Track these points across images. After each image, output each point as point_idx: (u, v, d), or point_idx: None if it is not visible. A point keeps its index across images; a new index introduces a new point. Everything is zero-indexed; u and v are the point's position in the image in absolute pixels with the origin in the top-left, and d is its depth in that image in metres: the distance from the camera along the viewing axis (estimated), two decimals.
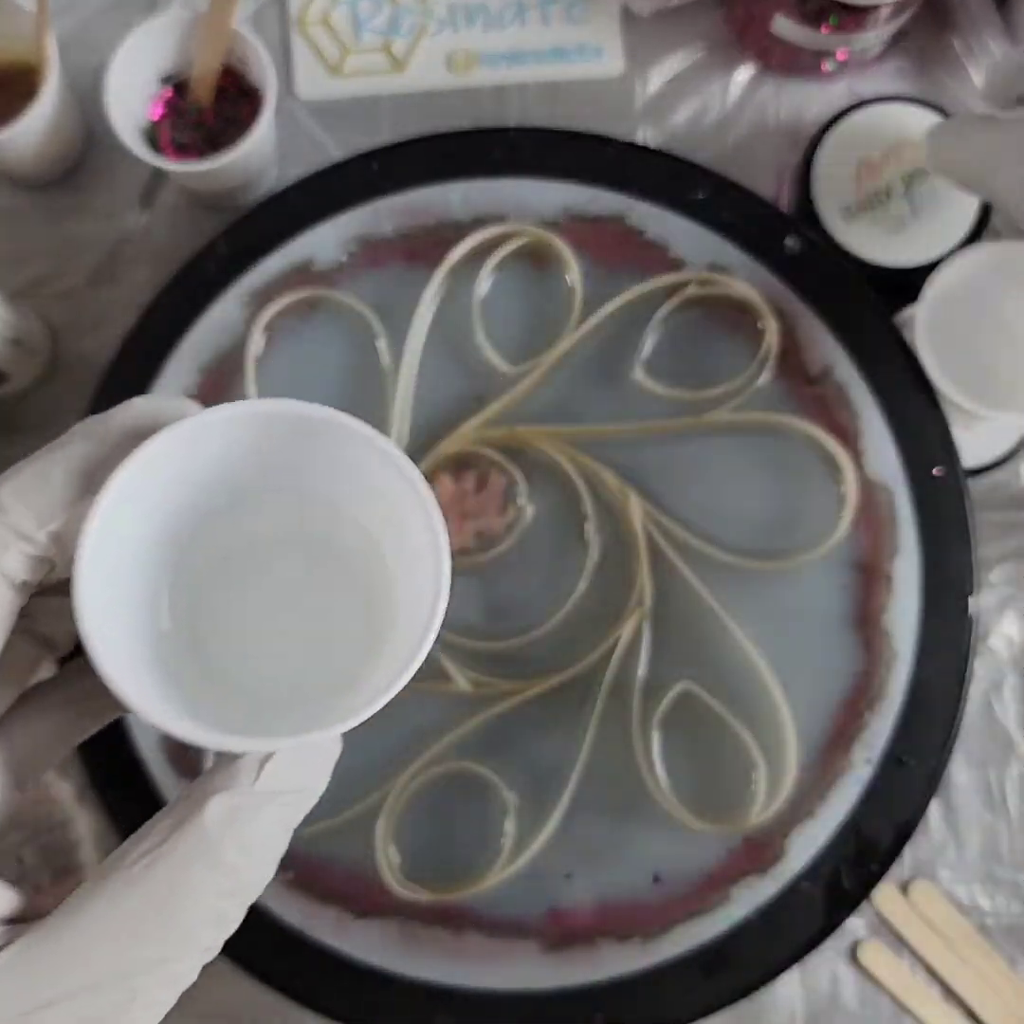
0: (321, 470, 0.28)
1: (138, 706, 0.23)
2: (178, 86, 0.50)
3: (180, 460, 0.26)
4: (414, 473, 0.26)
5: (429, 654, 0.46)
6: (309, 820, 0.43)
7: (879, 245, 0.49)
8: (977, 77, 0.53)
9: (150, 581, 0.29)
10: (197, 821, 0.24)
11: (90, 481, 0.24)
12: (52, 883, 0.26)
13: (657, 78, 0.55)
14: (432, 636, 0.26)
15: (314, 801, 0.27)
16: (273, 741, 0.24)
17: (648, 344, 0.46)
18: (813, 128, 0.53)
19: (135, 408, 0.25)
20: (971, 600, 0.44)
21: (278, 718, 0.27)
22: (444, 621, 0.46)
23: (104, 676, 0.23)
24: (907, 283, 0.47)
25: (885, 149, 0.50)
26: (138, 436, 0.24)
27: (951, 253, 0.48)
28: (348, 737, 0.45)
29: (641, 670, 0.43)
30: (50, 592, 0.25)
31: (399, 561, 0.28)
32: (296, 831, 0.43)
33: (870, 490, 0.44)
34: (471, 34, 0.55)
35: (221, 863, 0.24)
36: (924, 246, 0.49)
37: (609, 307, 0.45)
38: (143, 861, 0.23)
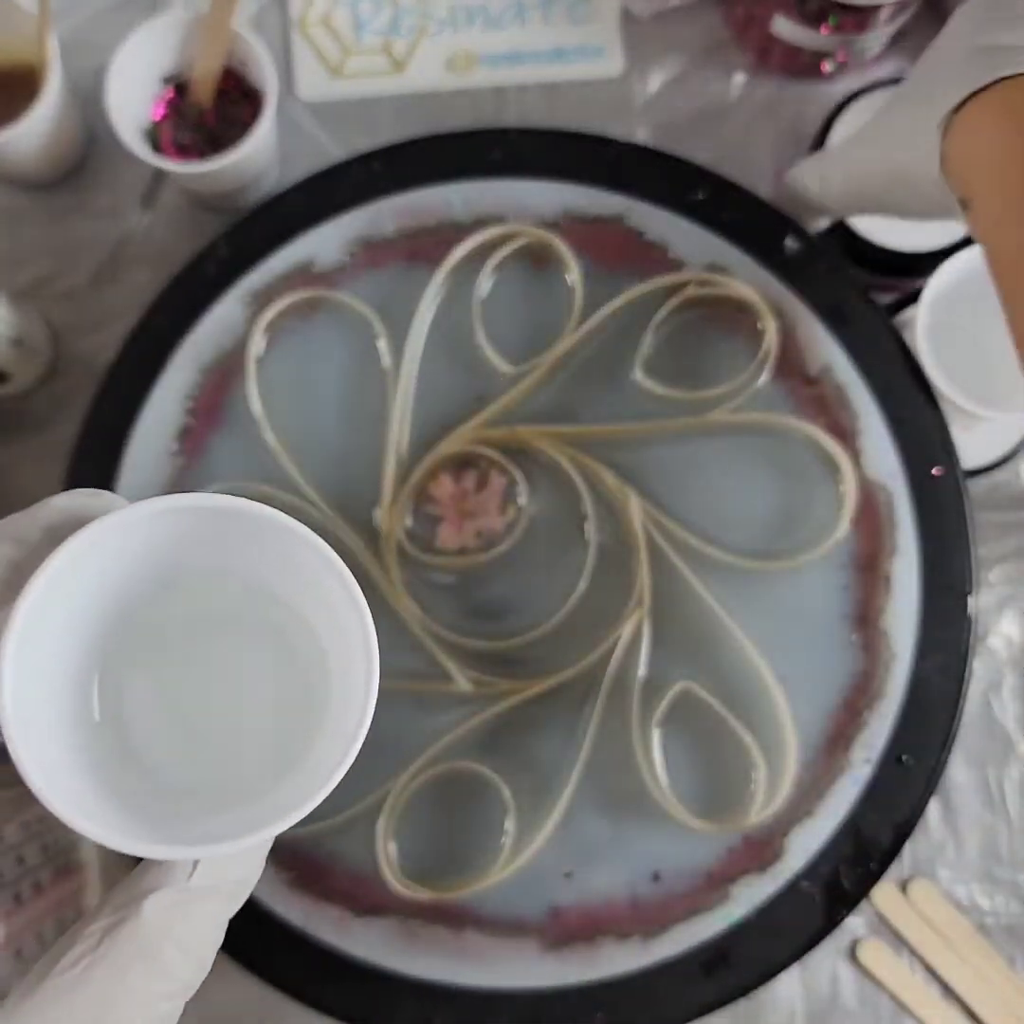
0: (247, 555, 0.28)
1: (64, 815, 0.22)
2: (179, 87, 0.50)
3: (106, 553, 0.26)
4: (330, 553, 0.26)
5: (430, 654, 0.47)
6: (310, 820, 0.43)
7: (889, 229, 0.48)
8: None
9: (80, 674, 0.28)
10: (134, 922, 0.22)
11: (9, 586, 0.23)
12: (52, 882, 0.26)
13: (657, 78, 0.55)
14: (367, 720, 0.26)
15: (249, 892, 0.26)
16: (204, 848, 0.24)
17: (648, 344, 0.46)
18: (813, 128, 0.53)
19: (55, 507, 0.24)
20: (970, 600, 0.44)
21: (217, 806, 0.27)
22: (445, 621, 0.46)
23: (31, 787, 0.22)
24: (916, 267, 0.47)
25: None
26: (59, 535, 0.23)
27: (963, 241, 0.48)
28: None
29: (641, 670, 0.44)
30: None
31: (330, 636, 0.28)
32: (297, 830, 0.43)
33: (869, 490, 0.45)
34: (471, 35, 0.55)
35: (160, 964, 0.23)
36: (936, 229, 0.49)
37: (609, 307, 0.45)
38: (77, 967, 0.22)
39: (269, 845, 0.27)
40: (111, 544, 0.25)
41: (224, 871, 0.25)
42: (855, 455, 0.45)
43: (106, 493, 0.26)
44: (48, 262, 0.53)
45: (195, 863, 0.24)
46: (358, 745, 0.26)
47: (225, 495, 0.25)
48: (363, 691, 0.27)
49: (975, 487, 0.51)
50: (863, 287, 0.46)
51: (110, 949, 0.22)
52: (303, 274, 0.47)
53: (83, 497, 0.25)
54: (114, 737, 0.29)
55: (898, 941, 0.49)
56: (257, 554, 0.28)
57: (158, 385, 0.46)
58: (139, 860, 0.25)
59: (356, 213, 0.47)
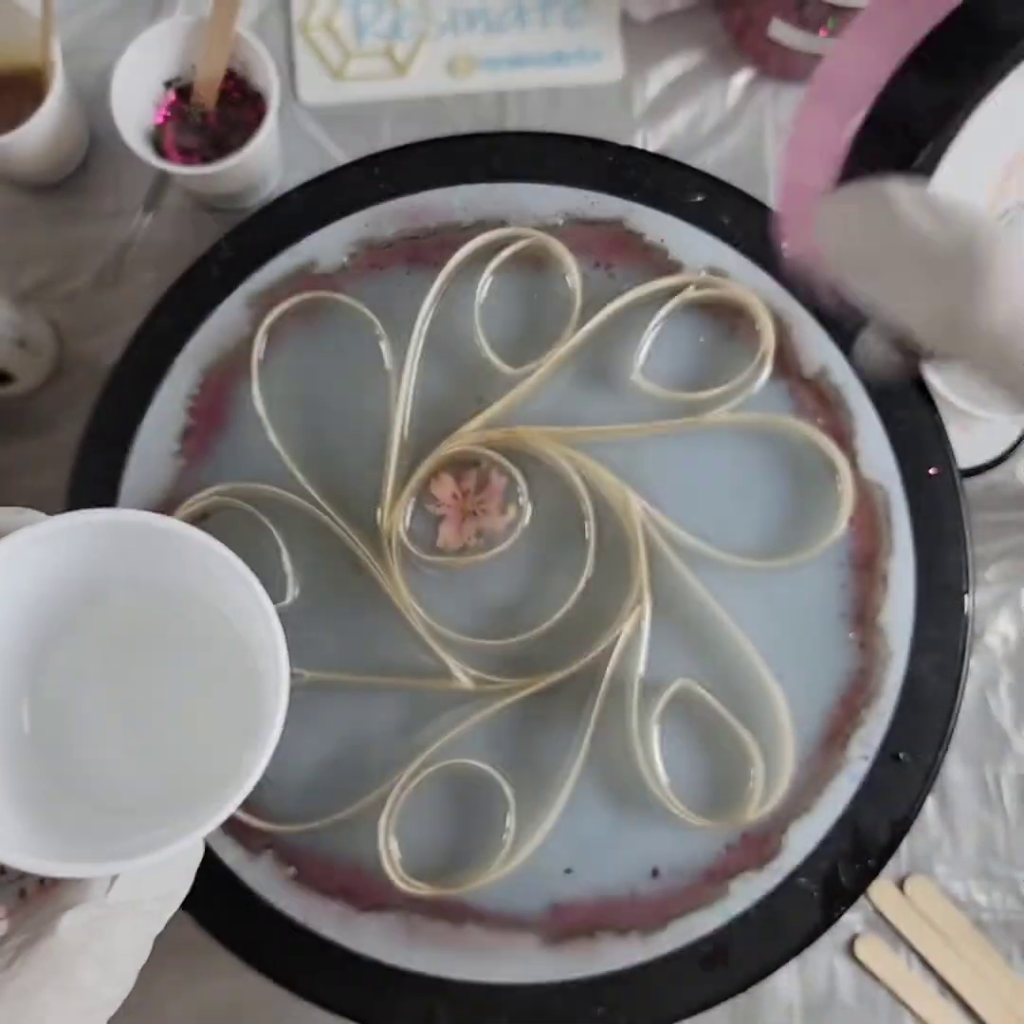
0: (172, 567, 0.28)
1: None
2: (182, 90, 0.51)
3: (28, 567, 0.26)
4: (235, 561, 0.26)
5: (431, 652, 0.47)
6: (310, 819, 0.43)
7: None
8: None
9: (8, 688, 0.28)
10: (49, 941, 0.22)
11: None
12: (37, 891, 0.26)
13: (656, 82, 0.55)
14: (276, 728, 0.25)
15: (176, 905, 0.25)
16: (114, 864, 0.23)
17: (647, 346, 0.46)
18: None
19: None
20: (966, 598, 0.44)
21: (157, 819, 0.27)
22: (446, 619, 0.46)
23: None
24: None
25: None
26: None
27: None
28: (351, 735, 0.46)
29: (640, 668, 0.44)
30: None
31: (254, 644, 0.28)
32: (298, 829, 0.43)
33: (866, 490, 0.45)
34: (472, 38, 0.55)
35: (75, 983, 0.22)
36: None
37: (609, 309, 0.46)
38: None
39: (195, 858, 0.26)
40: (31, 558, 0.25)
41: (145, 886, 0.24)
42: (852, 455, 0.45)
43: (30, 511, 0.26)
44: (52, 264, 0.54)
45: (113, 879, 0.24)
46: (266, 755, 0.25)
47: (134, 510, 0.26)
48: (274, 699, 0.26)
49: (972, 487, 0.51)
50: None
51: (23, 967, 0.22)
52: (305, 276, 0.47)
53: (6, 515, 0.25)
54: (47, 750, 0.29)
55: (895, 937, 0.49)
56: (179, 566, 0.28)
57: (161, 386, 0.46)
58: None
59: (358, 216, 0.47)
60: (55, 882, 0.25)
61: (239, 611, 0.27)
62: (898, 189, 0.21)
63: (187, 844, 0.24)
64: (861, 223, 0.22)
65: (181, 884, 0.26)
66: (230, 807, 0.25)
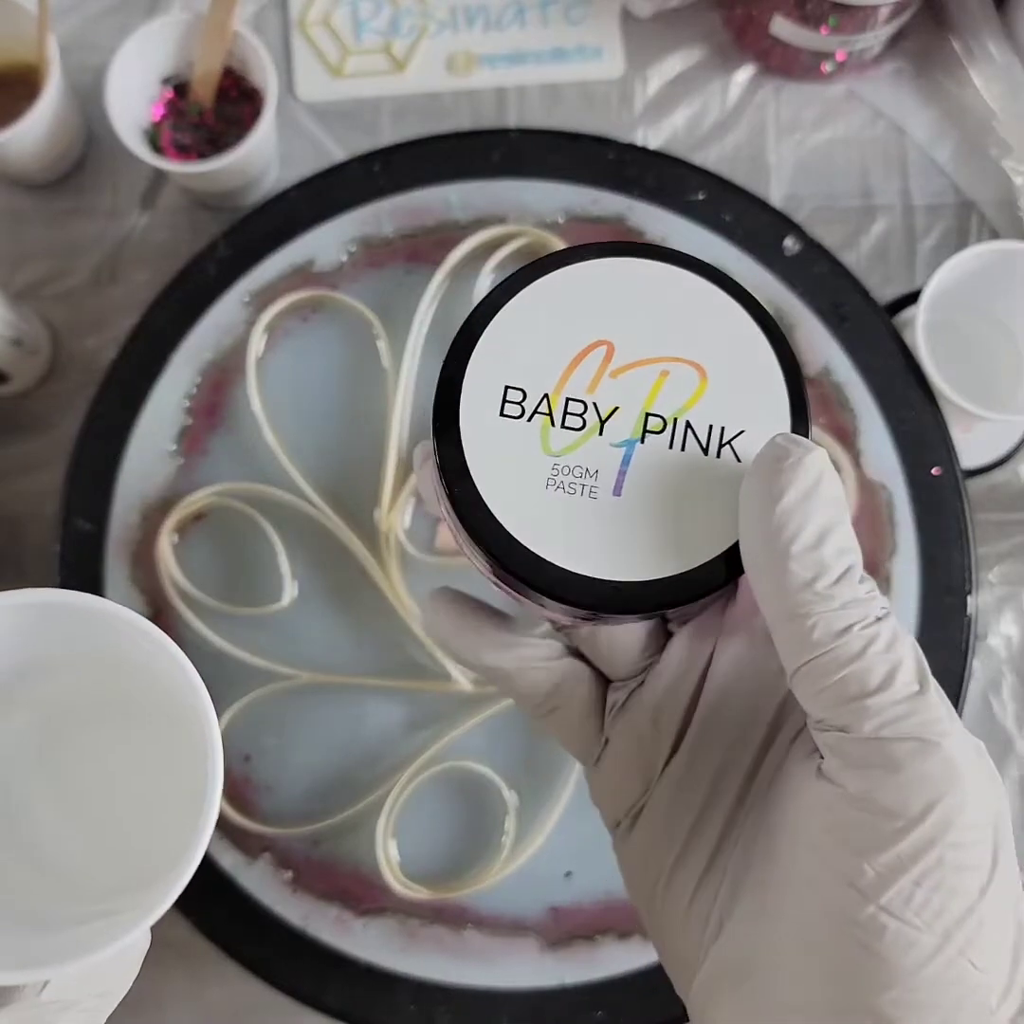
0: (108, 639, 0.27)
1: None
2: (179, 87, 0.50)
3: None
4: (160, 635, 0.25)
5: (430, 654, 0.46)
6: (308, 822, 0.43)
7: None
8: (977, 78, 0.53)
9: None
10: None
11: None
12: None
13: (657, 79, 0.55)
14: (210, 815, 0.24)
15: (115, 1004, 0.24)
16: (43, 970, 0.21)
17: None
18: (812, 128, 0.53)
19: None
20: (969, 599, 0.44)
21: (94, 901, 0.25)
22: None
23: None
24: None
25: None
26: None
27: None
28: (348, 737, 0.46)
29: None
30: None
31: (192, 719, 0.26)
32: (296, 833, 0.43)
33: (869, 490, 0.45)
34: (471, 35, 0.55)
35: None
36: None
37: None
38: None
39: (138, 952, 0.24)
40: None
41: (84, 983, 0.23)
42: (855, 455, 0.45)
43: None
44: (48, 262, 0.53)
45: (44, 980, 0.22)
46: (202, 842, 0.23)
47: (58, 590, 0.25)
48: (206, 781, 0.24)
49: (974, 487, 0.51)
50: (862, 287, 0.46)
51: None
52: (303, 274, 0.47)
53: None
54: None
55: None
56: (117, 639, 0.26)
57: (158, 385, 0.46)
58: None
59: (356, 213, 0.47)
60: None
61: (173, 681, 0.26)
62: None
63: (127, 941, 0.22)
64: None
65: (124, 979, 0.24)
66: (170, 898, 0.23)
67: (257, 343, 0.46)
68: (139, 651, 0.26)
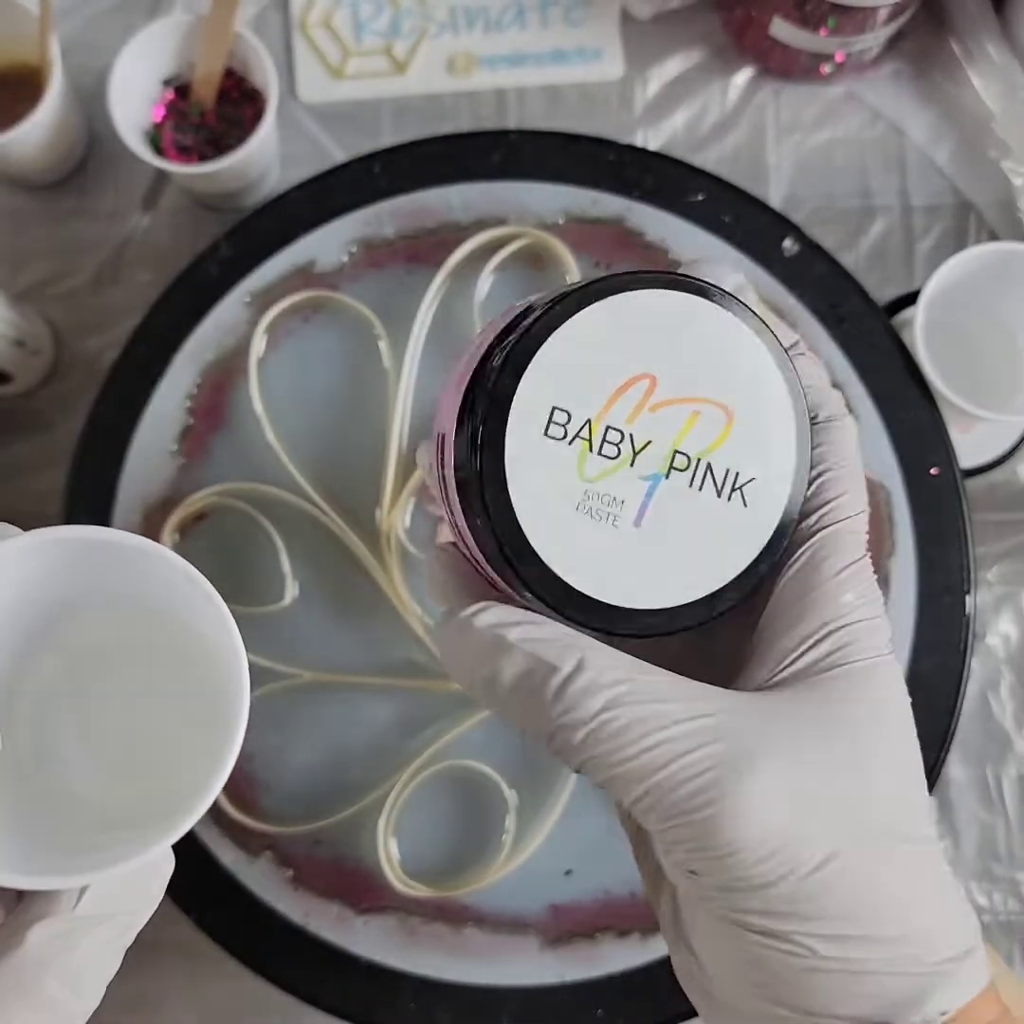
0: (140, 581, 0.28)
1: None
2: (180, 89, 0.50)
3: (1, 584, 0.26)
4: (194, 573, 0.26)
5: (430, 652, 0.47)
6: (309, 820, 0.43)
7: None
8: (975, 79, 0.53)
9: None
10: (16, 955, 0.22)
11: None
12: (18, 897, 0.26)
13: (656, 81, 0.55)
14: (235, 742, 0.26)
15: (145, 920, 0.26)
16: (83, 875, 0.23)
17: None
18: (811, 128, 0.53)
19: None
20: (968, 599, 0.44)
21: (121, 830, 0.27)
22: None
23: None
24: None
25: None
26: None
27: None
28: (350, 736, 0.46)
29: None
30: None
31: (221, 655, 0.28)
32: (297, 831, 0.43)
33: (868, 489, 0.45)
34: (471, 37, 0.55)
35: (42, 997, 0.22)
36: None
37: None
38: None
39: (164, 872, 0.26)
40: (3, 573, 0.26)
41: (114, 900, 0.24)
42: None
43: (1, 524, 0.26)
44: (50, 263, 0.53)
45: (81, 892, 0.24)
46: (225, 770, 0.25)
47: (101, 527, 0.26)
48: (234, 709, 0.26)
49: (973, 487, 0.51)
50: (861, 288, 0.46)
51: None
52: (304, 275, 0.47)
53: None
54: (17, 765, 0.29)
55: None
56: (148, 581, 0.28)
57: (160, 385, 0.46)
58: None
59: (357, 214, 0.47)
60: (22, 895, 0.25)
61: (208, 625, 0.27)
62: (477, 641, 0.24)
63: (152, 855, 0.24)
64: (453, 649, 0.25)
65: (152, 897, 0.26)
66: (192, 818, 0.25)
67: (258, 344, 0.46)
68: (167, 589, 0.27)
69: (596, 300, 0.24)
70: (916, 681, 0.43)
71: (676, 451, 0.24)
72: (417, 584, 0.45)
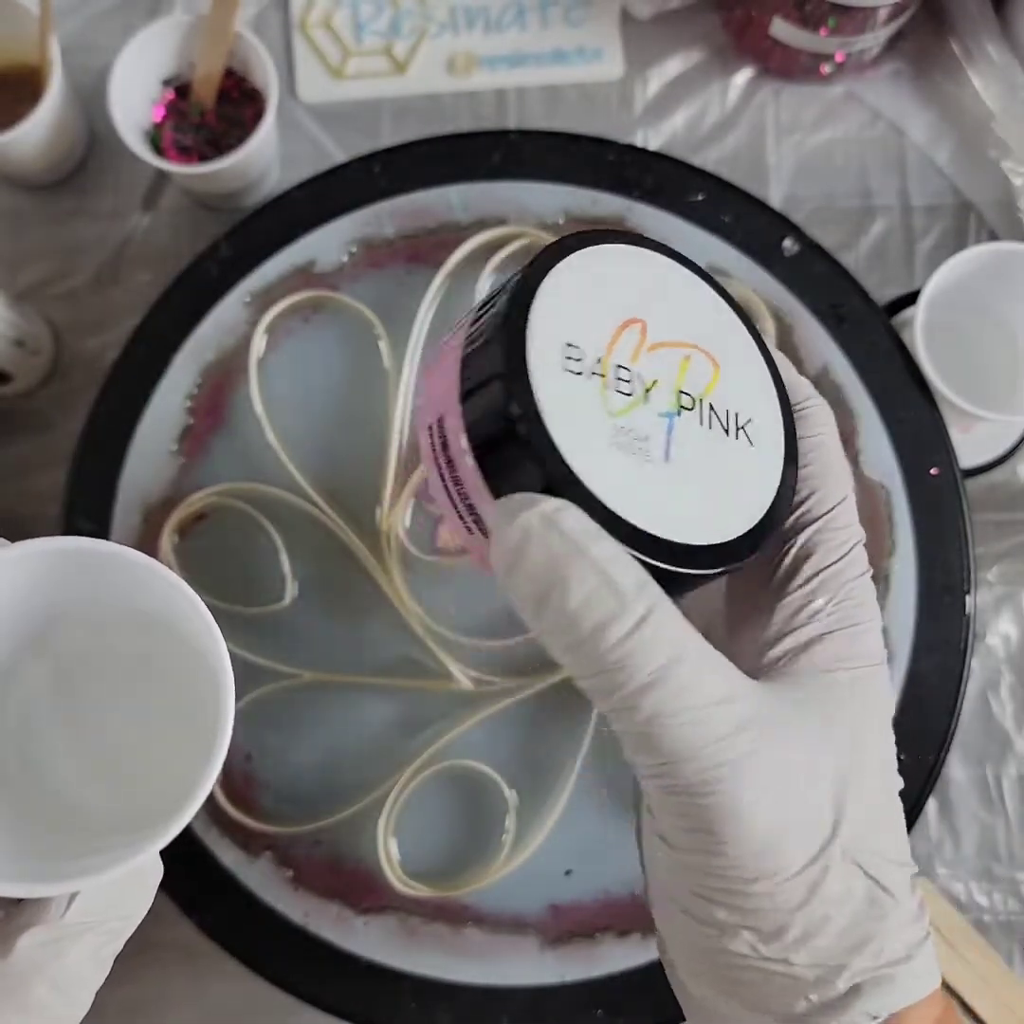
0: (122, 591, 0.28)
1: None
2: (180, 89, 0.50)
3: None
4: (176, 580, 0.26)
5: (431, 653, 0.47)
6: (309, 820, 0.43)
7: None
8: (975, 79, 0.53)
9: None
10: (5, 962, 0.22)
11: None
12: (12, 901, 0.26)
13: (656, 81, 0.55)
14: (219, 747, 0.26)
15: (134, 927, 0.26)
16: (72, 882, 0.24)
17: None
18: (811, 127, 0.53)
19: None
20: (968, 599, 0.44)
21: (109, 836, 0.27)
22: (445, 620, 0.46)
23: None
24: None
25: None
26: None
27: None
28: (349, 736, 0.46)
29: None
30: None
31: (207, 660, 0.28)
32: (297, 831, 0.43)
33: (867, 489, 0.45)
34: (471, 37, 0.55)
35: (32, 1004, 0.23)
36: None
37: None
38: None
39: (153, 879, 0.26)
40: None
41: (103, 907, 0.24)
42: (854, 455, 0.45)
43: None
44: (50, 263, 0.53)
45: (70, 899, 0.24)
46: (211, 776, 0.25)
47: (87, 537, 0.26)
48: (219, 716, 0.26)
49: (973, 487, 0.51)
50: (861, 288, 0.46)
51: None
52: (304, 275, 0.47)
53: None
54: (10, 772, 0.29)
55: None
56: (134, 589, 0.28)
57: (160, 385, 0.46)
58: None
59: (357, 215, 0.47)
60: (11, 902, 0.25)
61: (194, 634, 0.27)
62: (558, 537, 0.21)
63: (140, 860, 0.24)
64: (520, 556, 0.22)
65: (141, 903, 0.26)
66: (180, 823, 0.25)
67: (258, 343, 0.46)
68: (154, 598, 0.27)
69: (576, 249, 0.24)
70: (916, 681, 0.43)
71: (680, 391, 0.24)
72: (417, 584, 0.45)
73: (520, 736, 0.44)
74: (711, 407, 0.24)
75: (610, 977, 0.42)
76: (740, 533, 0.23)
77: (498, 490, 0.22)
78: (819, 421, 0.27)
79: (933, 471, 0.45)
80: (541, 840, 0.43)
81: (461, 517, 0.24)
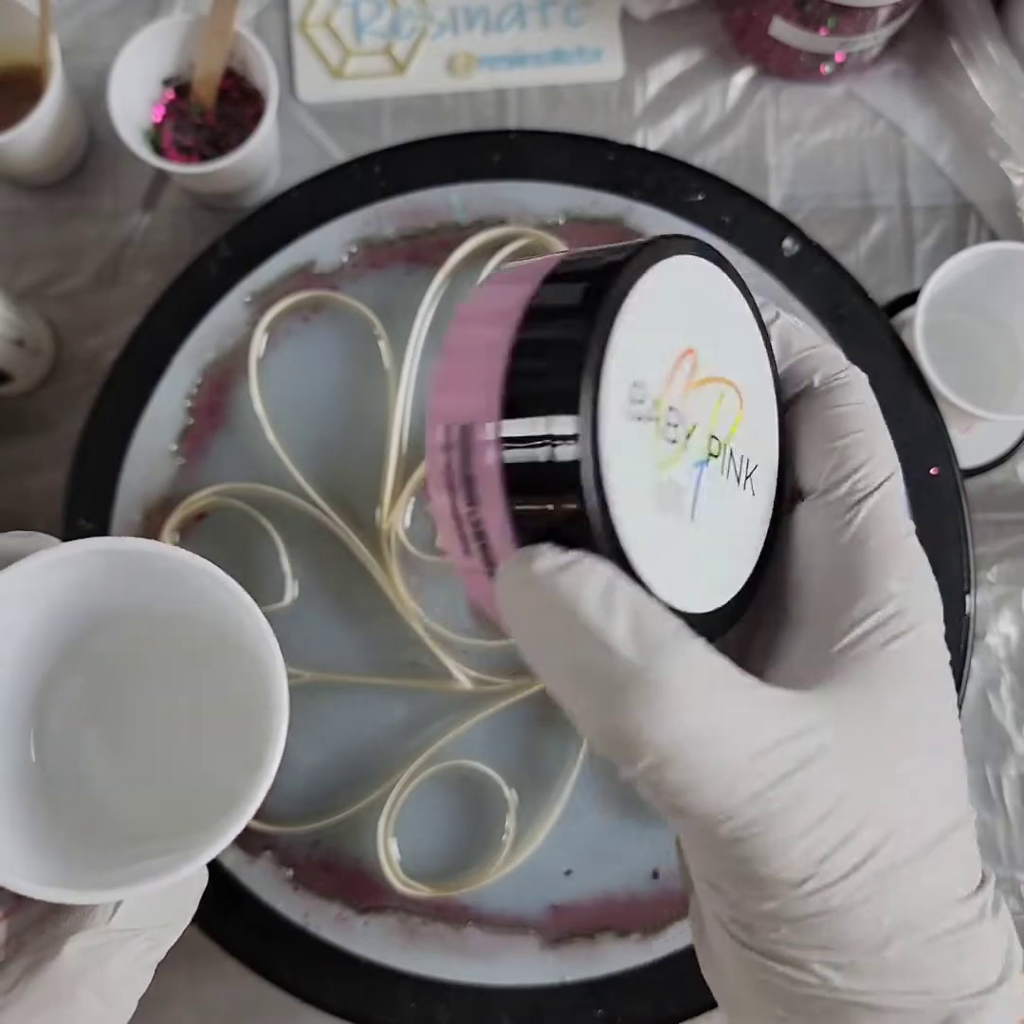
0: (170, 590, 0.28)
1: None
2: (180, 89, 0.50)
3: (36, 597, 0.26)
4: (232, 584, 0.26)
5: (430, 652, 0.47)
6: (309, 820, 0.43)
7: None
8: (975, 79, 0.53)
9: (14, 717, 0.29)
10: (52, 966, 0.23)
11: None
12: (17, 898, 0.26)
13: (656, 81, 0.55)
14: (274, 755, 0.25)
15: (177, 935, 0.26)
16: (119, 890, 0.24)
17: None
18: (811, 127, 0.53)
19: None
20: (968, 599, 0.44)
21: (155, 843, 0.27)
22: (445, 620, 0.46)
23: None
24: None
25: None
26: None
27: None
28: (349, 736, 0.46)
29: None
30: None
31: (256, 660, 0.28)
32: (297, 831, 0.43)
33: None
34: (471, 37, 0.55)
35: (77, 1008, 0.23)
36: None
37: None
38: None
39: (199, 885, 0.26)
40: (39, 586, 0.26)
41: (148, 914, 0.25)
42: None
43: (38, 534, 0.26)
44: (50, 263, 0.53)
45: (116, 905, 0.24)
46: (264, 785, 0.25)
47: (141, 539, 0.26)
48: (272, 723, 0.26)
49: (974, 487, 0.51)
50: (861, 288, 0.46)
51: (25, 991, 0.22)
52: (304, 275, 0.47)
53: (15, 539, 0.25)
54: (53, 778, 0.29)
55: None
56: (179, 590, 0.28)
57: (160, 385, 0.46)
58: None
59: (357, 214, 0.47)
60: (58, 908, 0.25)
61: (247, 638, 0.27)
62: (586, 586, 0.18)
63: (190, 870, 0.24)
64: (537, 605, 0.19)
65: (184, 912, 0.26)
66: (232, 833, 0.25)
67: (258, 343, 0.46)
68: (200, 600, 0.27)
69: (652, 263, 0.20)
70: None
71: (712, 435, 0.21)
72: (417, 584, 0.45)
73: (520, 736, 0.44)
74: (731, 453, 0.22)
75: (610, 977, 0.42)
76: (735, 594, 0.21)
77: (520, 522, 0.19)
78: (862, 388, 0.24)
79: (933, 471, 0.45)
80: (541, 840, 0.43)
81: (461, 531, 0.21)
